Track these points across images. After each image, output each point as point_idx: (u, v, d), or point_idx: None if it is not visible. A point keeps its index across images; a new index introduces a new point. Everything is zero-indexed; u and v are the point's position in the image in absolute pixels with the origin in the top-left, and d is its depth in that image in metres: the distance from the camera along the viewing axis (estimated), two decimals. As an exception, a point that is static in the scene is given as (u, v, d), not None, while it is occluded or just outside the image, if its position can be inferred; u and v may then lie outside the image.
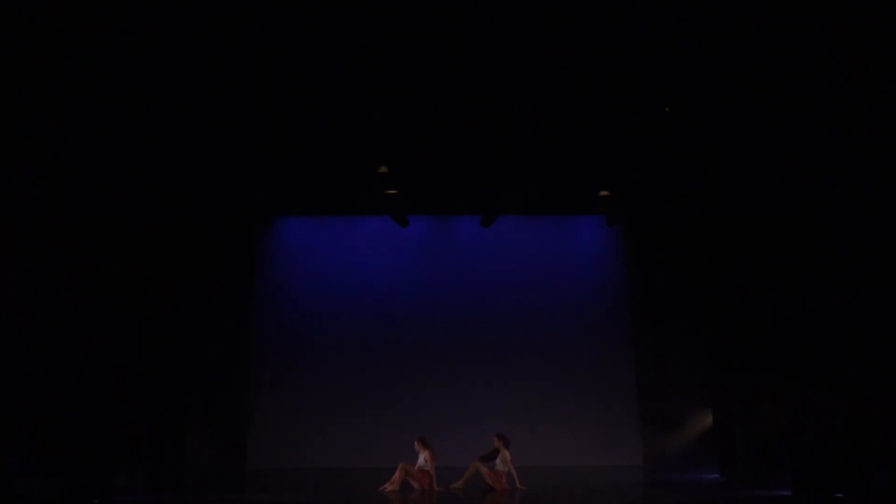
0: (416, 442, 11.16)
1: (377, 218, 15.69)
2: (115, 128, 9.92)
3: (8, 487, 8.63)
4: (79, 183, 9.61)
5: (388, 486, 10.67)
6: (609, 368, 15.58)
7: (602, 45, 9.76)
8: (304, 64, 10.07)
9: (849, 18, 8.42)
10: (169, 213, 11.35)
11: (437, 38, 9.62)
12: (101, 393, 9.89)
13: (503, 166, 12.96)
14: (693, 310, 13.70)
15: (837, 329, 9.45)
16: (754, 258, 11.08)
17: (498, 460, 10.87)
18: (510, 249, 16.03)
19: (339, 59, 9.95)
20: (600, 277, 16.00)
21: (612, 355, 15.65)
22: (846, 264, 9.38)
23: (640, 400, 15.41)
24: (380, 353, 15.50)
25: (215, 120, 11.14)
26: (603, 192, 14.12)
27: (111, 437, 10.11)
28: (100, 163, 9.86)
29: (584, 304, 15.83)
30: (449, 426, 14.49)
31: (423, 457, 10.95)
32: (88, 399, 9.68)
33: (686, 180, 12.93)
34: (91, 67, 9.13)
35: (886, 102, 8.70)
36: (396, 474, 10.77)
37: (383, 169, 12.59)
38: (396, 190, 13.75)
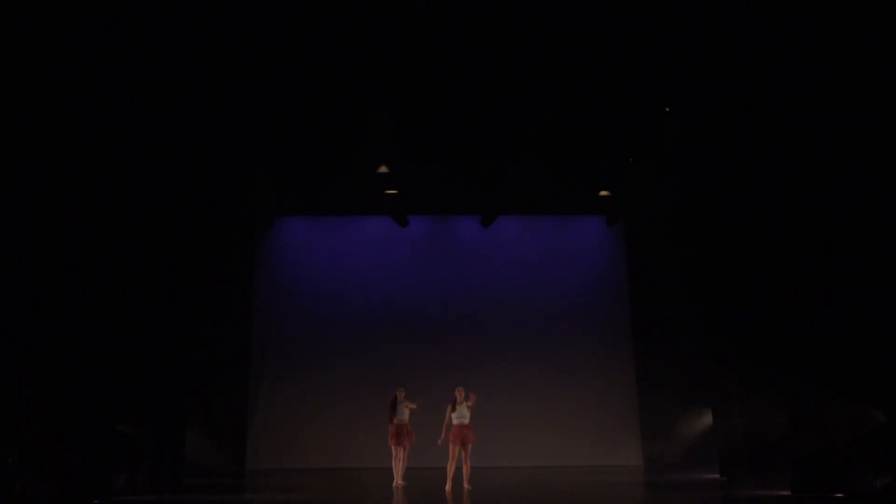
0: (401, 391, 11.47)
1: (377, 218, 15.69)
2: (118, 128, 9.91)
3: (8, 487, 8.62)
4: (78, 182, 9.59)
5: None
6: (609, 369, 15.58)
7: (602, 45, 9.76)
8: (305, 64, 10.07)
9: (848, 19, 8.42)
10: (170, 213, 11.33)
11: (438, 38, 9.62)
12: (101, 392, 9.87)
13: (503, 166, 12.96)
14: (693, 310, 13.68)
15: (838, 329, 9.42)
16: (754, 258, 11.06)
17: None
18: (510, 249, 16.02)
19: (339, 59, 9.96)
20: (600, 277, 15.99)
21: (611, 355, 15.64)
22: (846, 264, 9.37)
23: (639, 400, 15.40)
24: (380, 354, 15.47)
25: (217, 120, 11.14)
26: (603, 192, 14.14)
27: (111, 437, 10.09)
28: (101, 162, 9.85)
29: (584, 304, 15.83)
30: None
31: (402, 408, 11.26)
32: (88, 399, 9.66)
33: (686, 180, 12.91)
34: (95, 67, 9.13)
35: (884, 103, 8.69)
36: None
37: (383, 169, 12.60)
38: (396, 190, 13.76)
